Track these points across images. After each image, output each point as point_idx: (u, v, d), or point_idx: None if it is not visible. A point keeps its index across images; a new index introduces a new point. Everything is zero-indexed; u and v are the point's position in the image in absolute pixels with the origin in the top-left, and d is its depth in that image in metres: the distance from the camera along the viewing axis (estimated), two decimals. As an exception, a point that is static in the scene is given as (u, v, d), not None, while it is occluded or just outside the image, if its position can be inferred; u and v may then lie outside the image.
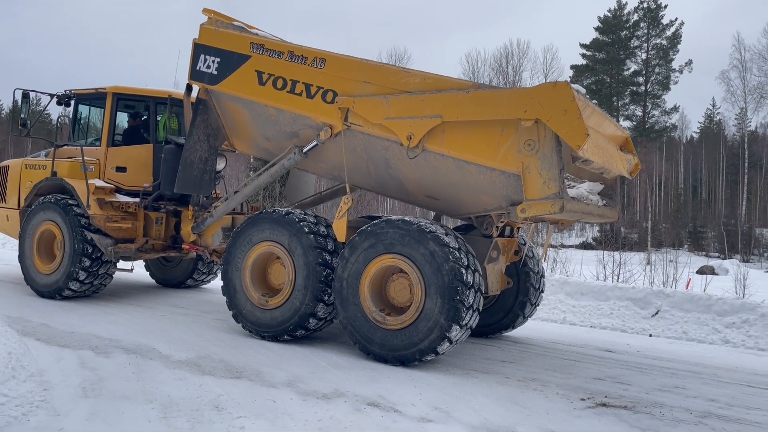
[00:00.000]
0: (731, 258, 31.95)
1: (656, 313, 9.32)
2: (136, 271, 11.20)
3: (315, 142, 6.96)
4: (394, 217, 6.21)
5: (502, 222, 6.45)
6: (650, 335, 8.71)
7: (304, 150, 7.15)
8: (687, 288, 12.94)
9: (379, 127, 6.35)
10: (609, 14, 51.45)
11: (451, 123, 5.93)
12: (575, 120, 5.23)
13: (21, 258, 9.09)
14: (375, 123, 6.35)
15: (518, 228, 7.39)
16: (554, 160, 5.42)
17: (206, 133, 7.83)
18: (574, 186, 6.46)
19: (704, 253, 36.91)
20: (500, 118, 5.65)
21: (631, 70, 51.15)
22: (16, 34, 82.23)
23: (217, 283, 9.84)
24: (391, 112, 6.23)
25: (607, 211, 6.54)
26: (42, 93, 9.43)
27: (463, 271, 5.70)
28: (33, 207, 9.01)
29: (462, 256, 5.79)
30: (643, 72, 50.24)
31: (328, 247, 6.61)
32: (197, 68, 7.70)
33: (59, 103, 9.37)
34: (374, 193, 7.51)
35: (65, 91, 9.43)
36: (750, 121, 50.25)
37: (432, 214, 8.21)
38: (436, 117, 5.94)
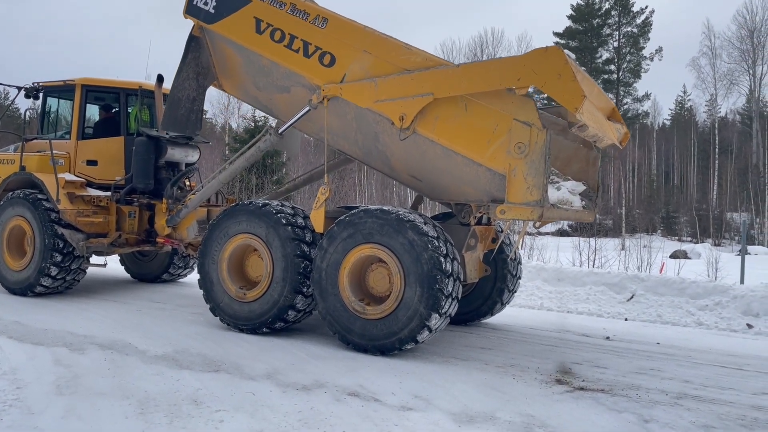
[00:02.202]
0: (703, 242, 32.57)
1: (631, 297, 9.45)
2: (111, 266, 11.01)
3: (293, 120, 6.86)
4: (372, 206, 6.18)
5: (480, 213, 6.47)
6: (626, 319, 8.83)
7: (280, 131, 7.07)
8: (661, 272, 13.15)
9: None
10: (581, 2, 51.84)
11: (445, 112, 5.85)
12: (570, 82, 5.21)
13: (-9, 255, 8.88)
14: (364, 107, 6.26)
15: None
16: (542, 167, 5.40)
17: (196, 72, 7.55)
18: (558, 182, 6.49)
19: (677, 237, 37.60)
20: (493, 89, 5.59)
21: (604, 57, 51.68)
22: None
23: (193, 277, 9.74)
24: (380, 95, 6.13)
25: (584, 214, 6.56)
26: (9, 86, 9.22)
27: (442, 260, 5.70)
28: (2, 203, 8.81)
29: (441, 244, 5.79)
30: (615, 60, 50.79)
31: (306, 239, 6.56)
32: (194, 2, 7.39)
33: (27, 96, 9.15)
34: (358, 161, 7.37)
35: (33, 83, 9.21)
36: (720, 108, 51.21)
37: (410, 202, 8.21)
38: (428, 95, 5.85)
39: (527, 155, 5.45)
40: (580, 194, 6.60)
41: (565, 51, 5.37)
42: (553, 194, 6.01)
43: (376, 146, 6.62)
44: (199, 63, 7.56)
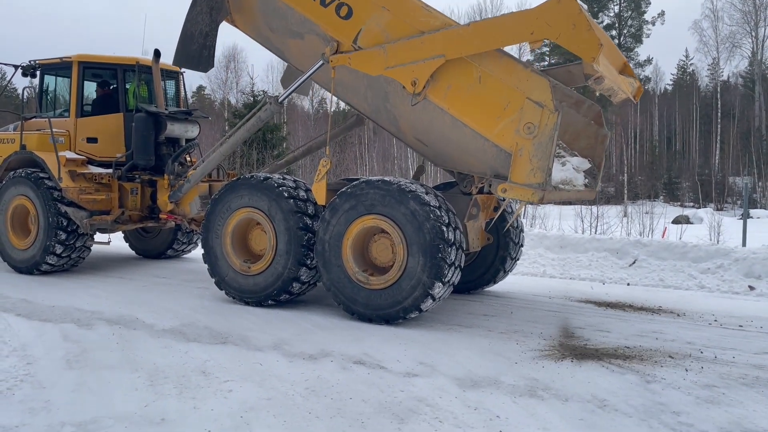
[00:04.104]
0: (705, 207, 32.56)
1: (633, 262, 9.49)
2: (116, 243, 11.08)
3: (302, 79, 6.83)
4: (373, 177, 6.18)
5: (482, 183, 6.46)
6: (628, 284, 8.88)
7: (280, 99, 7.03)
8: (663, 237, 13.19)
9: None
10: (581, -33, 50.97)
11: (458, 81, 5.77)
12: (586, 32, 5.12)
13: (-5, 234, 8.93)
14: (375, 75, 6.19)
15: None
16: (549, 150, 5.33)
17: (210, 6, 7.40)
18: (564, 157, 6.46)
19: (679, 203, 37.60)
20: (506, 44, 5.52)
21: (605, 23, 50.98)
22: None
23: (198, 252, 9.79)
24: (390, 61, 6.04)
25: (584, 194, 6.53)
26: (6, 65, 9.16)
27: (444, 229, 5.73)
28: (4, 182, 8.82)
29: (443, 214, 5.81)
30: (616, 25, 50.15)
31: (309, 211, 6.58)
32: None
33: (24, 75, 9.08)
34: (365, 117, 7.35)
35: (30, 61, 9.14)
36: (722, 71, 50.68)
37: (411, 174, 8.19)
38: (439, 57, 5.76)
39: (536, 136, 5.37)
40: (584, 171, 6.57)
41: (578, 1, 5.27)
42: (557, 173, 5.95)
43: (385, 105, 6.57)
44: None
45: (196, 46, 7.43)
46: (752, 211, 27.03)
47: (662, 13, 49.37)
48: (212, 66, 7.71)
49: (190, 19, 7.37)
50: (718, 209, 32.06)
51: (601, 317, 6.65)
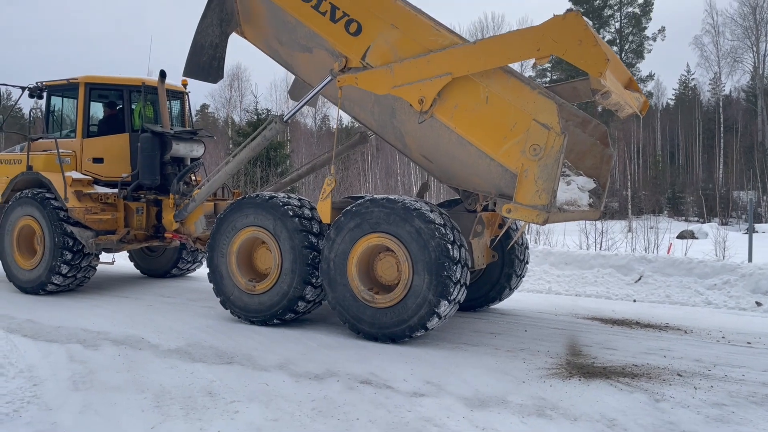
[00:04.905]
0: (710, 221, 32.46)
1: (639, 278, 9.46)
2: (121, 263, 11.11)
3: (309, 96, 6.89)
4: (378, 196, 6.20)
5: (486, 201, 6.47)
6: (634, 300, 8.84)
7: (285, 118, 7.07)
8: (668, 253, 13.14)
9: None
10: (582, -16, 51.32)
11: (465, 101, 5.79)
12: (592, 48, 5.13)
13: (1, 255, 8.96)
14: (382, 95, 6.22)
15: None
16: (554, 172, 5.33)
17: (220, 18, 7.44)
18: (569, 176, 6.46)
19: (684, 218, 37.48)
20: (513, 61, 5.53)
21: (606, 39, 51.21)
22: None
23: (202, 271, 9.80)
24: (397, 80, 6.06)
25: (588, 213, 6.53)
26: (13, 86, 9.23)
27: (450, 247, 5.73)
28: (11, 203, 8.87)
29: (448, 231, 5.81)
30: (618, 41, 50.37)
31: (314, 230, 6.60)
32: None
33: (31, 96, 9.16)
34: (371, 131, 7.37)
35: (36, 83, 9.23)
36: (724, 86, 50.79)
37: (415, 191, 8.21)
38: (446, 75, 5.78)
39: (541, 158, 5.37)
40: (588, 191, 6.57)
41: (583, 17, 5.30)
42: (561, 193, 5.94)
43: (391, 121, 6.60)
44: (223, 8, 7.43)
45: (206, 58, 7.50)
46: (757, 226, 26.93)
47: (663, 29, 49.55)
48: (222, 77, 7.78)
49: (201, 30, 7.44)
50: (723, 224, 31.95)
51: (607, 334, 6.62)
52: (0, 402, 4.27)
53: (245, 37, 7.73)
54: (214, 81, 7.87)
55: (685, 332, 6.78)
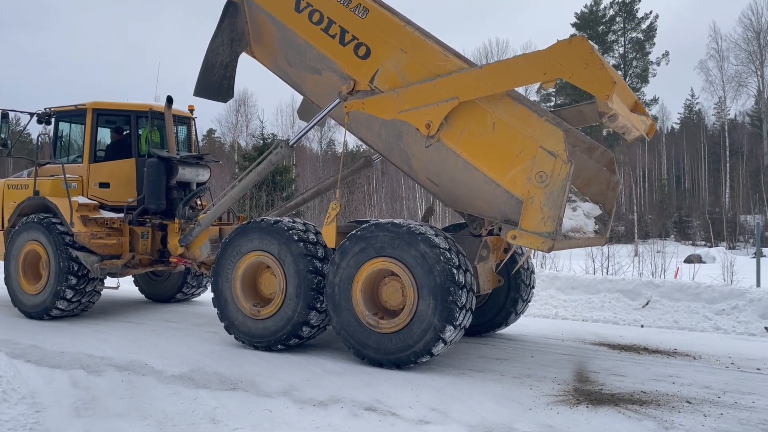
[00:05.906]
0: (717, 246, 32.27)
1: (647, 303, 9.38)
2: (126, 287, 11.09)
3: (317, 118, 6.95)
4: (383, 220, 6.20)
5: (491, 226, 6.46)
6: (642, 326, 8.76)
7: (291, 143, 7.12)
8: (675, 277, 13.06)
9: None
10: (586, 10, 51.89)
11: (472, 126, 5.81)
12: (599, 71, 5.15)
13: (7, 280, 8.97)
14: (389, 120, 6.26)
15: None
16: (560, 200, 5.30)
17: (231, 38, 7.52)
18: (575, 202, 6.45)
19: (691, 242, 37.26)
20: (519, 85, 5.57)
21: (610, 64, 51.56)
22: (3, 55, 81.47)
23: (207, 296, 9.77)
24: (404, 105, 6.10)
25: (594, 240, 6.51)
26: (21, 112, 9.34)
27: (455, 272, 5.70)
28: (17, 228, 8.90)
29: (453, 256, 5.79)
30: (622, 66, 50.70)
31: (319, 254, 6.58)
32: None
33: (39, 122, 9.27)
34: (378, 153, 7.40)
35: (45, 109, 9.34)
36: (729, 110, 50.91)
37: (420, 215, 8.20)
38: (452, 99, 5.80)
39: (547, 186, 5.35)
40: (594, 218, 6.55)
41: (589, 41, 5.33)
42: (567, 221, 5.92)
43: (398, 144, 6.63)
44: (234, 29, 7.51)
45: (216, 77, 7.60)
46: (765, 250, 26.72)
47: (666, 54, 49.90)
48: (232, 96, 7.87)
49: (212, 50, 7.54)
50: (730, 248, 31.76)
51: (615, 360, 6.54)
52: (3, 429, 4.24)
53: (255, 57, 7.81)
54: (224, 100, 7.97)
55: (694, 358, 6.69)
